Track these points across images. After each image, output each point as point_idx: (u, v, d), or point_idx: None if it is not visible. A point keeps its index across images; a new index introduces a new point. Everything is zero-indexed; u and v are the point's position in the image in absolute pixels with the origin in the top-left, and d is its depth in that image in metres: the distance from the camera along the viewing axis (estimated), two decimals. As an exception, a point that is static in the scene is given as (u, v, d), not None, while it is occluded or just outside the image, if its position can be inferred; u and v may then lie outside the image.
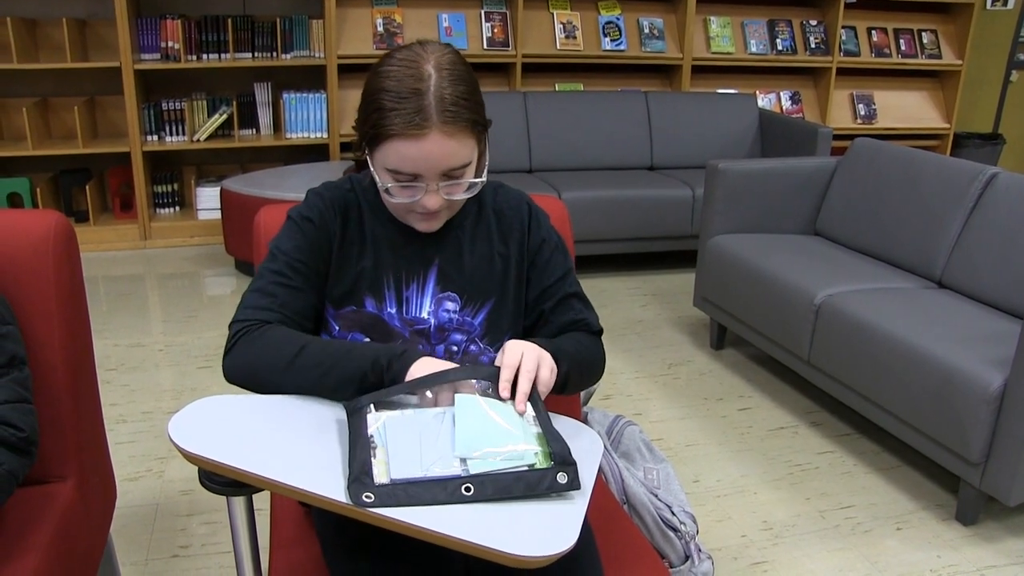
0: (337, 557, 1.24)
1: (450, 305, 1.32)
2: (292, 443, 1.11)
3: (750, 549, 2.26)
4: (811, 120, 5.39)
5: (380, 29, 4.78)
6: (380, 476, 1.05)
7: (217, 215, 4.62)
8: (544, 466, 1.09)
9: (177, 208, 4.86)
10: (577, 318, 1.37)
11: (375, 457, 1.08)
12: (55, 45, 4.40)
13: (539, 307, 1.38)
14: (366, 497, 1.02)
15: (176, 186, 4.84)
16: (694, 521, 1.89)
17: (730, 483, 2.57)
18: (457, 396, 1.16)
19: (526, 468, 1.09)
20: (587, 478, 1.12)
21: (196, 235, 4.72)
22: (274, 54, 4.67)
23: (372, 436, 1.11)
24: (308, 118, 4.78)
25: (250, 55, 4.65)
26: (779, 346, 3.06)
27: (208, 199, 4.73)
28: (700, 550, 1.90)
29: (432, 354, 1.27)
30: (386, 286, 1.31)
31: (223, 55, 4.59)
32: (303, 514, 1.48)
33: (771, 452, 2.76)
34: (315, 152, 4.91)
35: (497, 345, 1.34)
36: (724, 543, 2.28)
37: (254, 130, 4.83)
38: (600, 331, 1.40)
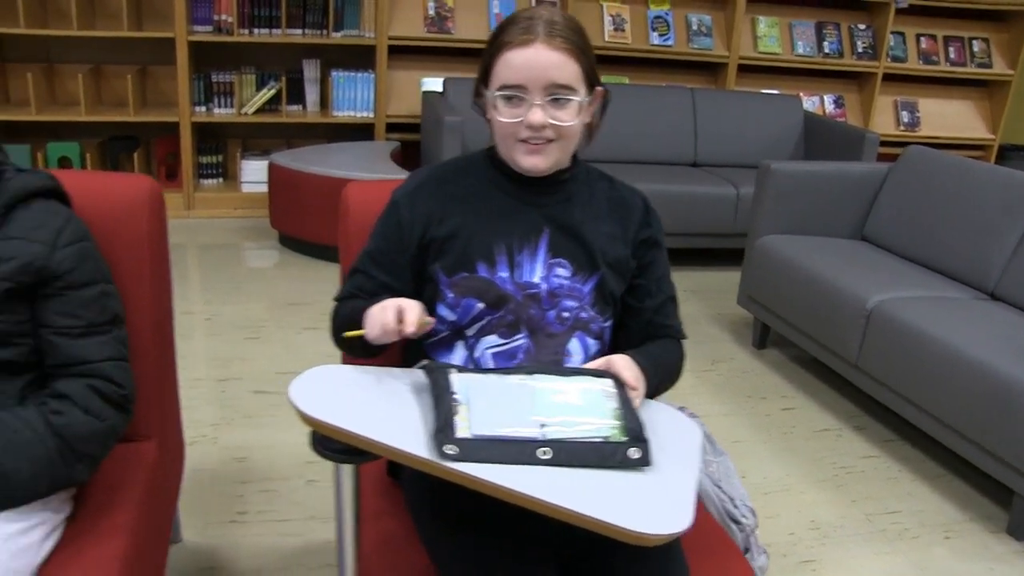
0: (436, 533, 1.26)
1: (561, 271, 1.36)
2: (407, 412, 1.13)
3: (798, 547, 2.28)
4: (853, 124, 5.36)
5: (431, 12, 4.79)
6: (462, 431, 1.08)
7: (260, 188, 4.64)
8: (619, 440, 1.12)
9: (221, 179, 4.89)
10: (669, 323, 1.49)
11: (458, 414, 1.11)
12: (111, 13, 4.42)
13: (643, 303, 1.45)
14: (448, 449, 1.05)
15: (221, 158, 4.87)
16: (754, 515, 1.90)
17: (775, 481, 2.58)
18: (539, 370, 1.22)
19: (601, 440, 1.12)
20: (692, 461, 1.14)
21: (239, 207, 4.75)
22: (324, 32, 4.68)
23: (455, 394, 1.14)
24: (355, 97, 4.80)
25: (300, 31, 4.66)
26: (826, 348, 3.06)
27: (253, 172, 4.76)
28: (758, 544, 1.91)
29: (543, 319, 1.33)
30: (497, 251, 1.35)
31: (274, 30, 4.61)
32: (389, 485, 1.50)
33: (815, 453, 2.76)
34: (360, 131, 4.92)
35: (605, 316, 1.40)
36: (773, 539, 2.29)
37: (301, 106, 4.84)
38: (684, 337, 1.52)
